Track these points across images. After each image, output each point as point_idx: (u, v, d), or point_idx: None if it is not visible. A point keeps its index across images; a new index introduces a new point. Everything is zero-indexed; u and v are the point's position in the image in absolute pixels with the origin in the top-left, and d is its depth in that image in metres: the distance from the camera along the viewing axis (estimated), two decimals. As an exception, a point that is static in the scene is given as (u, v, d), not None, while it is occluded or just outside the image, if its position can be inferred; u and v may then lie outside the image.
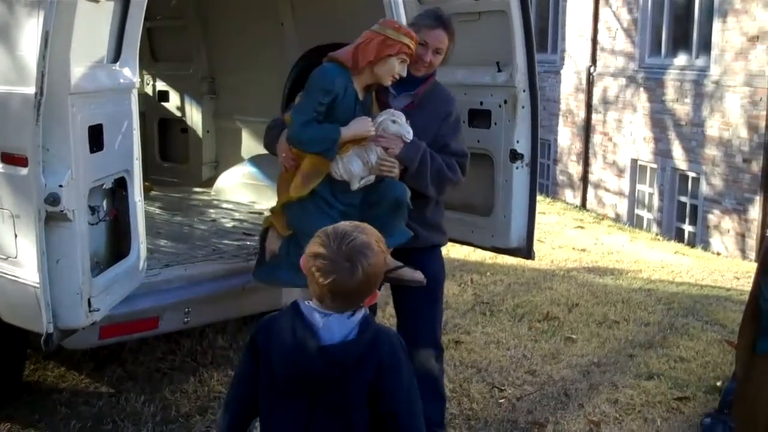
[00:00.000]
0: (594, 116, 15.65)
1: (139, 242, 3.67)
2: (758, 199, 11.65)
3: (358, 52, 3.53)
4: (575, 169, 16.29)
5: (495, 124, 4.29)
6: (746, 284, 7.29)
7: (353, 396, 2.22)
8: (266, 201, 5.72)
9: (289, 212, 3.69)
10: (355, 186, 3.56)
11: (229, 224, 5.19)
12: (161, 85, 6.87)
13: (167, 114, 6.83)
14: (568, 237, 9.55)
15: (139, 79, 4.03)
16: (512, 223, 4.29)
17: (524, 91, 4.18)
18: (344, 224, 2.29)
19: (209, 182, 6.36)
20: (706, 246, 11.86)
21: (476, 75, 4.36)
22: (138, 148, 3.65)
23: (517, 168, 4.24)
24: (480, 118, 4.36)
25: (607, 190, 15.35)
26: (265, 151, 5.99)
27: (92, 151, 3.26)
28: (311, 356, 2.19)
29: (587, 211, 13.97)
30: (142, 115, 6.06)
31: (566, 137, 16.57)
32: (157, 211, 5.54)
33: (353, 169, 3.54)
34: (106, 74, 3.43)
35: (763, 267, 3.26)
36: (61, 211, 3.12)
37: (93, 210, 3.39)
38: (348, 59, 3.54)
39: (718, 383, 4.88)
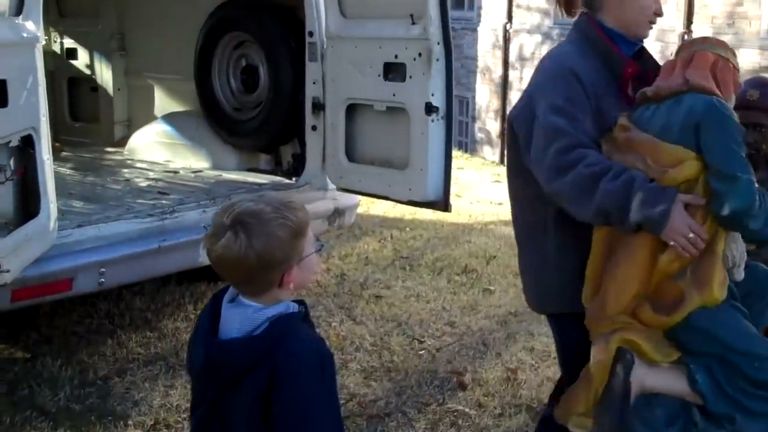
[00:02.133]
0: (511, 73, 15.81)
1: (49, 201, 3.58)
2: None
3: (719, 84, 2.64)
4: (493, 126, 16.46)
5: (410, 77, 4.28)
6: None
7: (247, 405, 1.87)
8: (181, 159, 5.65)
9: (697, 322, 2.53)
10: (741, 275, 2.68)
11: (144, 183, 5.11)
12: (69, 43, 6.67)
13: (76, 72, 6.64)
14: (486, 191, 9.66)
15: (46, 36, 3.91)
16: (429, 175, 4.31)
17: (438, 43, 4.18)
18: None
19: (122, 142, 6.23)
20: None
21: (390, 28, 4.34)
22: (45, 105, 3.54)
23: (432, 121, 4.25)
24: (395, 71, 4.35)
25: (524, 146, 15.57)
26: (179, 109, 5.99)
27: (-5, 107, 3.16)
28: (199, 350, 1.92)
29: (504, 166, 14.11)
30: (50, 74, 5.88)
31: (484, 94, 16.71)
32: (69, 171, 5.41)
33: (741, 250, 2.67)
34: (8, 27, 3.31)
35: None
36: (-36, 169, 3.02)
37: (-1, 169, 3.30)
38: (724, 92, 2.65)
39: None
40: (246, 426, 1.88)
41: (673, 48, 11.70)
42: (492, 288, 5.81)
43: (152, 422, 3.86)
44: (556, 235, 2.78)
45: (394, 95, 4.37)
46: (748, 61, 10.61)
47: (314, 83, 4.74)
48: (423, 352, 4.71)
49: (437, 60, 4.20)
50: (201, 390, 1.97)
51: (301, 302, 1.99)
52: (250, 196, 2.04)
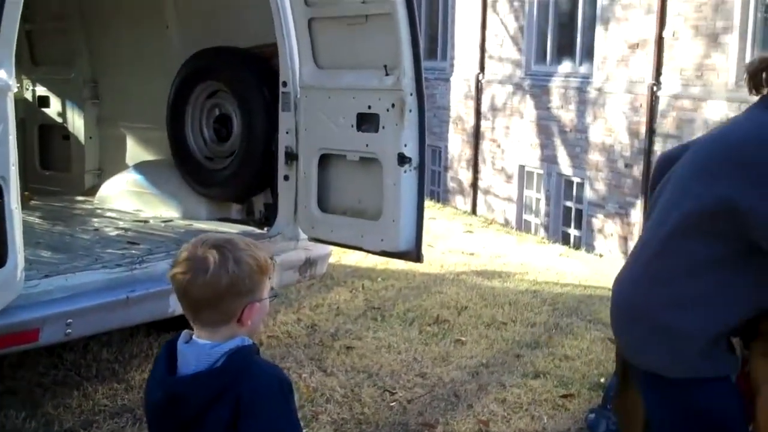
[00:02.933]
0: (483, 123, 15.94)
1: (17, 251, 3.53)
2: (639, 203, 12.08)
3: None
4: (465, 176, 16.55)
5: (383, 127, 4.32)
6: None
7: None
8: (151, 209, 5.62)
9: None
10: None
11: (113, 233, 5.07)
12: (42, 90, 6.66)
13: (48, 120, 6.62)
14: (457, 241, 9.68)
15: (18, 83, 3.89)
16: (401, 226, 4.32)
17: (411, 94, 4.22)
18: None
19: (92, 191, 6.19)
20: (590, 249, 12.22)
21: (364, 78, 4.38)
22: (14, 154, 3.51)
23: (405, 172, 4.28)
24: (368, 121, 4.39)
25: (496, 195, 15.65)
26: (151, 157, 5.97)
27: (-37, 156, 3.13)
28: (155, 388, 1.96)
29: (477, 216, 14.20)
30: (21, 122, 5.86)
31: (457, 144, 16.83)
32: (38, 220, 5.36)
33: None
34: (-22, 76, 3.30)
35: None
36: (-70, 219, 2.98)
37: (-34, 218, 3.26)
38: None
39: (602, 380, 5.02)
40: None
41: (642, 100, 11.88)
42: (463, 339, 5.78)
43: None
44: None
45: (367, 146, 4.40)
46: (716, 112, 10.79)
47: (287, 133, 4.76)
48: (394, 403, 4.67)
49: (410, 111, 4.24)
50: None
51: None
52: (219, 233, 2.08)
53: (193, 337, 1.97)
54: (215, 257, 1.90)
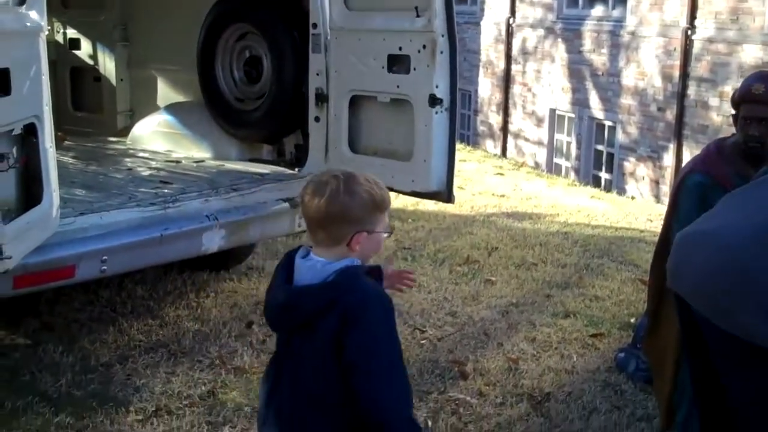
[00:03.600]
0: (513, 67, 15.79)
1: (52, 189, 3.58)
2: (672, 147, 11.97)
3: None
4: (495, 120, 16.45)
5: (414, 69, 4.29)
6: (659, 226, 7.46)
7: (319, 345, 2.11)
8: (183, 150, 5.66)
9: None
10: None
11: (146, 173, 5.11)
12: (72, 33, 6.66)
13: (79, 62, 6.64)
14: (487, 184, 9.67)
15: (49, 26, 3.90)
16: (432, 167, 4.32)
17: (443, 36, 4.18)
18: None
19: (124, 131, 6.23)
20: (621, 192, 12.16)
21: (395, 20, 4.34)
22: (48, 94, 3.54)
23: (436, 113, 4.26)
24: (399, 63, 4.36)
25: (526, 139, 15.56)
26: (182, 99, 5.98)
27: (-1, 95, 3.16)
28: (275, 296, 2.20)
29: (507, 159, 14.15)
30: (53, 64, 5.89)
31: (486, 88, 16.70)
32: (71, 160, 5.41)
33: None
34: (12, 17, 3.32)
35: (674, 205, 3.37)
36: (-32, 156, 3.03)
37: (2, 156, 3.30)
38: None
39: (632, 320, 5.04)
40: (321, 363, 2.12)
41: (676, 43, 11.69)
42: (493, 279, 5.81)
43: (153, 408, 3.87)
44: None
45: (398, 87, 4.38)
46: (751, 56, 10.60)
47: (318, 75, 4.74)
48: (424, 341, 4.72)
49: (441, 52, 4.20)
50: (277, 333, 2.30)
51: (374, 266, 2.36)
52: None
53: (311, 253, 2.18)
54: (332, 186, 2.12)
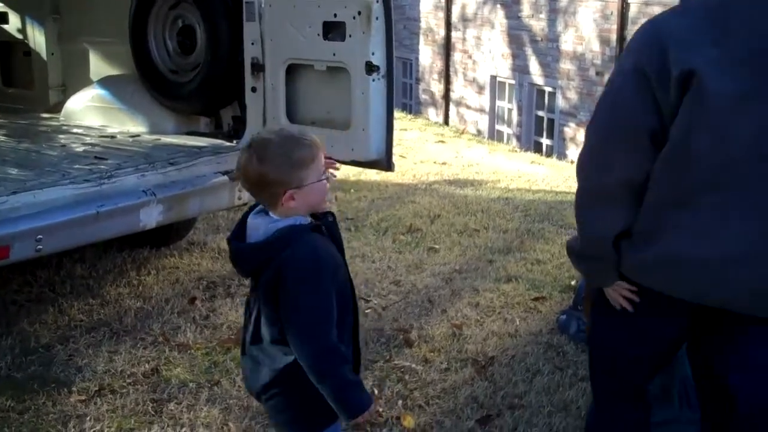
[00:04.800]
0: (454, 34, 15.79)
1: (-18, 168, 3.49)
2: (610, 110, 12.10)
3: None
4: (437, 88, 16.46)
5: (350, 36, 4.24)
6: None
7: (263, 294, 2.31)
8: (118, 124, 5.54)
9: None
10: None
11: (80, 149, 4.99)
12: (0, 7, 6.48)
13: (8, 37, 6.45)
14: (429, 152, 9.68)
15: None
16: (371, 135, 4.30)
17: (377, 1, 4.14)
18: None
19: (57, 107, 6.07)
20: (562, 157, 12.27)
21: (329, -14, 4.29)
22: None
23: (373, 80, 4.23)
24: (335, 30, 4.31)
25: (468, 107, 15.61)
26: (115, 72, 5.86)
27: None
28: (230, 250, 2.40)
29: (449, 127, 14.17)
30: (-19, 39, 5.72)
31: (427, 56, 16.68)
32: (3, 138, 5.27)
33: None
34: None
35: None
36: None
37: (-73, 134, 3.20)
38: None
39: (572, 282, 5.11)
40: (270, 306, 2.31)
41: (613, 7, 11.77)
42: (436, 246, 5.84)
43: (96, 388, 3.82)
44: None
45: (334, 54, 4.33)
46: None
47: (253, 44, 4.67)
48: (369, 310, 4.73)
49: (377, 18, 4.16)
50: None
51: (328, 214, 2.46)
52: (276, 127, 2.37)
53: (263, 211, 2.37)
54: (246, 156, 2.28)
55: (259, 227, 2.33)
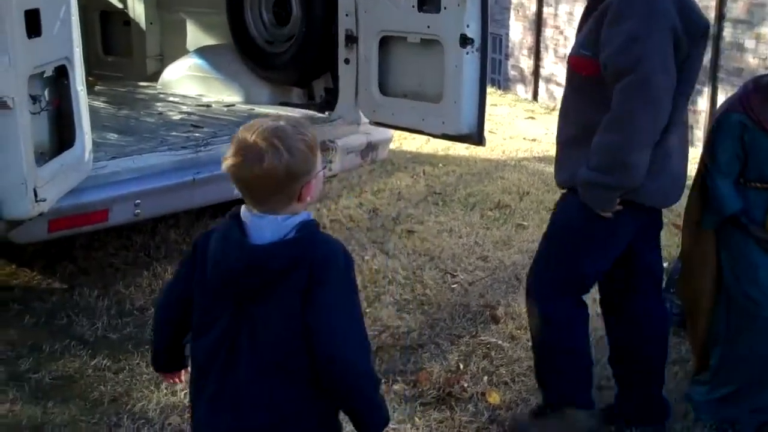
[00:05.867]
0: (545, 9, 15.52)
1: (84, 132, 3.60)
2: (706, 91, 11.75)
3: None
4: (527, 64, 16.24)
5: (445, 8, 4.21)
6: (693, 169, 7.38)
7: (283, 306, 2.00)
8: (214, 93, 5.64)
9: None
10: None
11: (177, 117, 5.10)
12: (101, -23, 6.63)
13: (108, 6, 6.60)
14: (519, 128, 9.58)
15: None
16: (463, 109, 4.26)
17: (473, -27, 4.10)
18: None
19: (155, 76, 6.21)
20: (655, 137, 11.98)
21: (426, -42, 4.26)
22: (78, 35, 3.54)
23: (467, 53, 4.19)
24: (429, 2, 4.28)
25: (558, 84, 15.35)
26: (212, 42, 5.95)
27: (30, 36, 3.15)
28: (234, 256, 2.01)
29: (539, 104, 13.99)
30: (83, 8, 5.82)
31: (518, 31, 16.45)
32: (102, 105, 5.42)
33: None
34: (42, -43, 3.29)
35: (710, 146, 3.31)
36: (0, 98, 3.03)
37: (34, 99, 3.31)
38: None
39: (665, 264, 4.98)
40: (283, 325, 2.01)
41: None
42: (525, 223, 5.78)
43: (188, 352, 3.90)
44: None
45: (428, 27, 4.30)
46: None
47: (347, 15, 4.68)
48: (456, 285, 4.72)
49: (472, -10, 4.12)
50: (220, 305, 2.06)
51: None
52: (268, 117, 2.14)
53: (258, 212, 2.03)
54: (270, 151, 1.96)
55: (263, 228, 2.01)
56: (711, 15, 11.51)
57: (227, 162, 2.01)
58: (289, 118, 2.15)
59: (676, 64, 2.77)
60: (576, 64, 3.02)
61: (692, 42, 2.81)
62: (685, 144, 3.08)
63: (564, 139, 3.12)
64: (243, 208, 2.06)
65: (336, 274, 2.02)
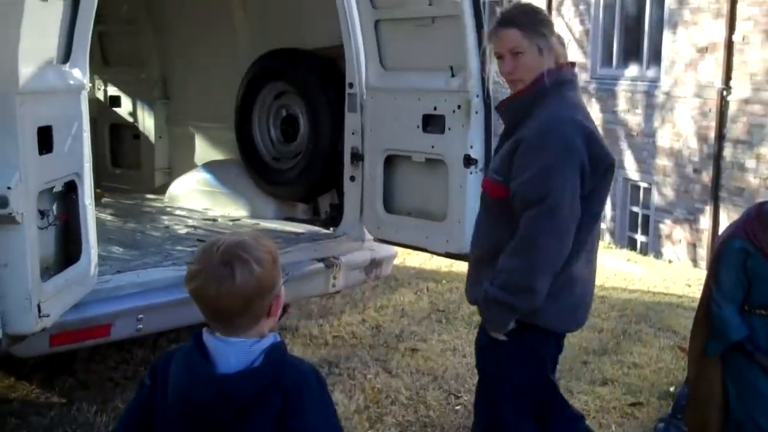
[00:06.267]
0: (547, 127, 15.80)
1: (90, 247, 3.60)
2: (708, 209, 11.84)
3: None
4: (529, 179, 16.44)
5: (449, 129, 4.29)
6: (698, 291, 7.34)
7: None
8: (220, 207, 5.69)
9: None
10: None
11: (183, 231, 5.14)
12: (113, 90, 6.79)
13: (119, 119, 6.75)
14: (522, 245, 9.59)
15: (90, 83, 3.97)
16: (466, 228, 4.28)
17: (477, 96, 4.19)
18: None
19: (162, 189, 6.29)
20: (658, 255, 12.01)
21: (430, 80, 4.36)
22: (88, 151, 3.59)
23: (471, 173, 4.24)
24: (434, 123, 4.37)
25: (560, 199, 15.51)
26: (219, 157, 6.04)
27: (41, 152, 3.20)
28: (201, 387, 1.89)
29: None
30: (93, 121, 5.94)
31: (520, 147, 16.72)
32: (109, 217, 5.46)
33: None
34: (56, 74, 3.37)
35: (714, 272, 3.31)
36: (9, 213, 3.04)
37: (42, 214, 3.32)
38: None
39: (671, 389, 4.92)
40: None
41: (711, 104, 11.64)
42: (529, 343, 5.71)
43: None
44: None
45: (432, 147, 4.38)
46: (788, 118, 10.52)
47: (353, 134, 4.76)
48: (459, 407, 4.64)
49: (476, 113, 4.20)
50: None
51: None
52: (225, 234, 2.07)
53: (222, 335, 1.93)
54: (238, 267, 1.88)
55: (228, 355, 1.90)
56: (711, 135, 11.71)
57: (192, 284, 1.91)
58: (242, 232, 2.04)
59: (582, 194, 2.88)
60: (487, 186, 3.11)
61: (597, 175, 2.91)
62: (592, 268, 3.16)
63: (476, 257, 3.18)
64: (205, 331, 1.96)
65: (310, 399, 1.94)
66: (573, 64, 3.13)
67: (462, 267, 7.35)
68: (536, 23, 2.98)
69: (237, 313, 1.91)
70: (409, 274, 7.32)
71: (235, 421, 1.89)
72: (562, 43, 3.14)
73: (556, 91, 2.96)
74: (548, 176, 2.83)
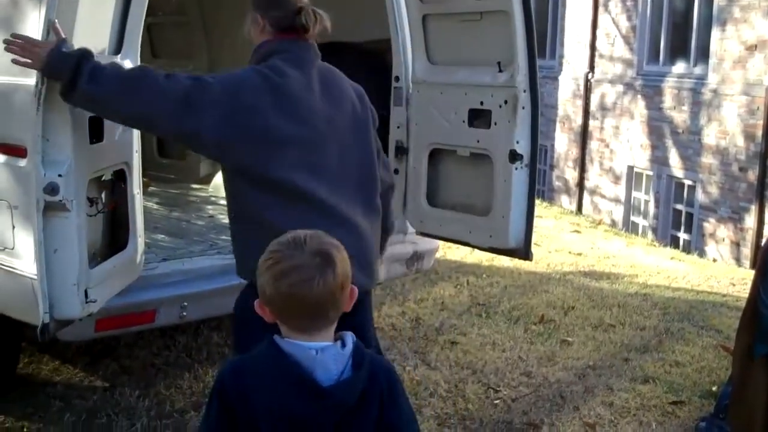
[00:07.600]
0: (591, 122, 15.67)
1: (137, 235, 3.66)
2: (754, 208, 11.67)
3: None
4: (571, 175, 16.31)
5: (495, 124, 4.28)
6: (742, 291, 7.30)
7: None
8: (264, 198, 5.71)
9: None
10: None
11: (227, 220, 5.15)
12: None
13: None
14: (564, 241, 9.55)
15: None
16: (510, 223, 4.27)
17: (525, 91, 4.17)
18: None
19: (207, 179, 6.35)
20: (701, 253, 11.87)
21: (477, 75, 4.35)
22: (138, 141, 3.64)
23: (516, 169, 4.23)
24: (480, 118, 4.36)
25: (602, 196, 15.36)
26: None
27: (92, 141, 3.25)
28: (304, 400, 1.84)
29: (583, 216, 13.98)
30: (141, 111, 6.05)
31: (563, 143, 16.59)
32: (155, 206, 5.53)
33: None
34: (108, 66, 3.41)
35: (762, 271, 3.26)
36: (60, 200, 3.10)
37: (91, 201, 3.38)
38: None
39: (714, 388, 4.88)
40: None
41: (759, 102, 11.47)
42: (570, 339, 5.70)
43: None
44: None
45: (478, 141, 4.37)
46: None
47: (398, 127, 4.77)
48: (498, 401, 4.64)
49: (523, 108, 4.18)
50: None
51: None
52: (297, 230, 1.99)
53: (316, 344, 1.88)
54: (331, 255, 1.88)
55: (326, 362, 1.86)
56: (758, 133, 11.54)
57: (287, 280, 1.85)
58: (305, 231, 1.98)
59: None
60: None
61: None
62: None
63: None
64: (283, 340, 1.89)
65: (399, 391, 1.98)
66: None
67: (502, 262, 7.38)
68: None
69: (331, 307, 1.90)
70: (449, 268, 7.32)
71: (342, 429, 1.88)
72: None
73: None
74: None
